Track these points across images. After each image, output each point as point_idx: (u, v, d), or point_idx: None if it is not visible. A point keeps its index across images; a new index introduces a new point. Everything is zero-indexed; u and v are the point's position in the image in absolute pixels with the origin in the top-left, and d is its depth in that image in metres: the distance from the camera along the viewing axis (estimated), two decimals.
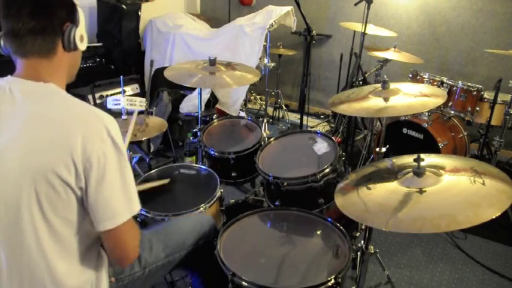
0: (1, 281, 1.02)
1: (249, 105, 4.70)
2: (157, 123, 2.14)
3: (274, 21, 3.58)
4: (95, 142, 0.95)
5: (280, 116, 4.41)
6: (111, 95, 3.14)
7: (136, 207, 1.04)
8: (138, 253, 1.10)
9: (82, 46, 1.06)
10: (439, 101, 1.56)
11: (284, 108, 4.33)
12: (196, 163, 2.56)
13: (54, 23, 1.00)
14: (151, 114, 2.71)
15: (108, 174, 0.97)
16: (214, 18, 4.82)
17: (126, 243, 1.05)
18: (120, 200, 1.00)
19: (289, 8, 3.67)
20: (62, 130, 0.95)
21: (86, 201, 0.99)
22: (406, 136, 2.93)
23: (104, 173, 0.97)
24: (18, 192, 0.94)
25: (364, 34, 3.00)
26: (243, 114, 3.85)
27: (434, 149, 2.73)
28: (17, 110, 0.97)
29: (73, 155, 0.93)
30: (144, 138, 2.11)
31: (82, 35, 1.05)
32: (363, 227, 2.10)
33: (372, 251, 1.62)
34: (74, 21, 1.04)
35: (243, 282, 1.30)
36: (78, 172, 0.95)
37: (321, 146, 1.96)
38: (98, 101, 3.03)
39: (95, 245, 1.11)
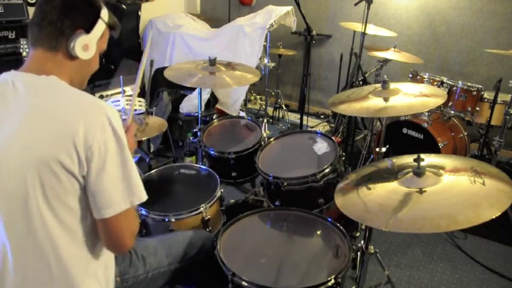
0: (7, 270, 1.02)
1: (249, 105, 4.70)
2: (157, 123, 2.14)
3: (274, 21, 3.58)
4: (96, 131, 0.96)
5: (280, 116, 4.41)
6: (111, 95, 3.14)
7: (137, 197, 1.03)
8: (133, 244, 1.09)
9: (84, 55, 1.06)
10: (439, 101, 1.56)
11: (284, 108, 4.33)
12: (196, 163, 2.56)
13: (65, 23, 1.02)
14: (152, 114, 2.72)
15: (108, 163, 0.98)
16: (214, 18, 4.82)
17: (123, 233, 1.04)
18: (119, 189, 1.00)
19: (289, 8, 3.67)
20: (64, 119, 0.96)
21: (87, 188, 1.00)
22: (406, 136, 2.93)
23: (104, 162, 0.97)
24: (23, 184, 0.96)
25: (364, 34, 3.00)
26: (243, 114, 3.85)
27: (434, 149, 2.73)
28: (19, 102, 0.98)
29: (75, 143, 0.94)
30: (144, 138, 2.11)
31: (87, 44, 1.05)
32: (363, 227, 2.10)
33: (372, 251, 1.62)
34: (88, 30, 1.05)
35: (243, 282, 1.30)
36: (81, 160, 0.96)
37: (321, 146, 1.96)
38: None
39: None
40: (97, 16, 1.07)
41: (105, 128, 0.98)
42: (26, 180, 0.95)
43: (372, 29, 3.26)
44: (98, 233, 1.07)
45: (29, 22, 1.05)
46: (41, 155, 0.95)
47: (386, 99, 1.62)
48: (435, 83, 2.91)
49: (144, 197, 1.05)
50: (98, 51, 1.11)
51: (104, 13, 1.09)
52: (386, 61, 3.23)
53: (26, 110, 0.98)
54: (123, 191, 1.01)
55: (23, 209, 0.97)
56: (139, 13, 3.77)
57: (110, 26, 1.14)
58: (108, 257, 1.14)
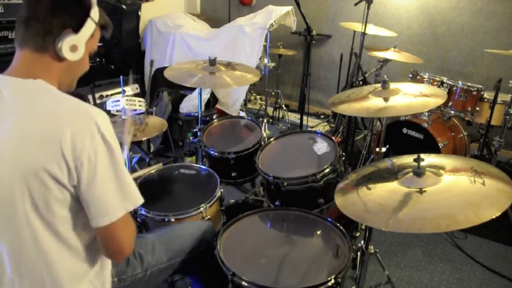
0: (6, 276, 1.02)
1: (249, 105, 4.70)
2: (157, 123, 2.14)
3: (274, 21, 3.58)
4: (85, 139, 0.93)
5: (280, 116, 4.41)
6: (111, 95, 3.14)
7: (132, 203, 1.02)
8: (132, 248, 1.08)
9: (72, 56, 1.01)
10: (439, 101, 1.56)
11: (284, 108, 4.33)
12: (196, 163, 2.56)
13: (52, 22, 0.98)
14: (151, 114, 2.71)
15: (99, 172, 0.96)
16: (214, 18, 4.82)
17: (122, 239, 1.03)
18: (113, 197, 0.99)
19: (289, 8, 3.67)
20: (51, 127, 0.93)
21: (80, 198, 0.98)
22: (406, 136, 2.93)
23: (95, 171, 0.95)
24: (11, 191, 0.94)
25: (364, 34, 3.00)
26: (243, 114, 3.85)
27: (434, 149, 2.73)
28: (6, 109, 0.96)
29: (63, 152, 0.92)
30: (144, 138, 2.10)
31: (75, 45, 1.01)
32: (363, 227, 2.10)
33: (372, 251, 1.62)
34: (76, 30, 1.01)
35: (243, 282, 1.30)
36: (70, 170, 0.94)
37: (321, 146, 1.96)
38: (97, 101, 3.04)
39: (95, 242, 1.10)
40: (86, 15, 1.02)
41: (94, 135, 0.95)
42: (14, 188, 0.94)
43: (371, 29, 3.26)
44: (90, 238, 1.07)
45: (16, 20, 1.00)
46: (29, 164, 0.92)
47: (386, 99, 1.62)
48: (435, 83, 2.91)
49: (139, 201, 1.04)
50: (87, 51, 1.07)
51: (94, 12, 1.04)
52: (386, 61, 3.23)
53: (13, 117, 0.95)
54: (117, 198, 0.99)
55: (14, 217, 0.96)
56: (139, 13, 3.77)
57: (101, 26, 1.09)
58: (103, 259, 1.13)
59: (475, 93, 2.80)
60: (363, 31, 2.99)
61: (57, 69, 1.03)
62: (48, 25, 0.98)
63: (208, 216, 1.72)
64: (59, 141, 0.92)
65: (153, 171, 1.98)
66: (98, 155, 0.95)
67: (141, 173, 1.88)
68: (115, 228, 1.01)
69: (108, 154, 0.97)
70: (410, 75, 3.07)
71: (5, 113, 0.96)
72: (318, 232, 1.59)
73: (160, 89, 3.46)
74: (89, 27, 1.03)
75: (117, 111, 2.04)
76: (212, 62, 2.23)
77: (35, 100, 0.97)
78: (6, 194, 0.95)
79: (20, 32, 1.00)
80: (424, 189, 1.19)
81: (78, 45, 1.02)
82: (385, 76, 1.78)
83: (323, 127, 4.27)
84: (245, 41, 3.64)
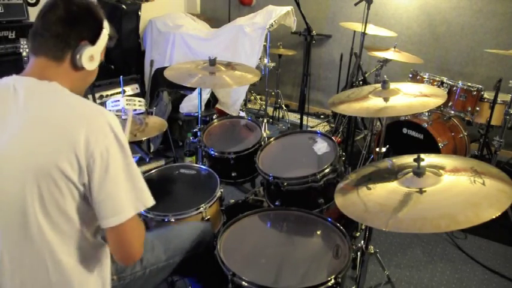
0: (3, 276, 1.02)
1: (249, 105, 4.70)
2: (157, 123, 2.14)
3: (274, 21, 3.58)
4: (98, 138, 0.96)
5: (280, 116, 4.41)
6: (111, 95, 3.15)
7: (143, 203, 1.04)
8: (142, 252, 1.09)
9: (89, 66, 1.08)
10: (439, 101, 1.56)
11: (284, 108, 4.33)
12: (196, 163, 2.56)
13: (71, 35, 1.04)
14: (151, 114, 2.71)
15: (111, 170, 0.98)
16: (214, 18, 4.82)
17: (131, 240, 1.04)
18: (125, 196, 1.00)
19: (289, 8, 3.67)
20: (64, 127, 0.96)
21: (90, 197, 0.99)
22: (406, 136, 2.93)
23: (107, 168, 0.97)
24: (22, 190, 0.95)
25: (364, 34, 3.00)
26: (243, 114, 3.85)
27: (434, 149, 2.73)
28: (20, 108, 0.98)
29: (76, 151, 0.94)
30: (144, 138, 2.10)
31: (93, 55, 1.08)
32: (363, 227, 2.10)
33: (372, 251, 1.62)
34: (93, 42, 1.08)
35: (243, 282, 1.30)
36: (81, 168, 0.96)
37: (321, 146, 1.96)
38: (97, 101, 3.04)
39: (99, 241, 1.11)
40: (101, 28, 1.10)
41: (107, 134, 0.98)
42: (24, 186, 0.95)
43: (372, 29, 3.26)
44: (94, 237, 1.08)
45: (31, 31, 1.05)
46: (42, 162, 0.94)
47: (386, 99, 1.62)
48: (435, 83, 2.91)
49: (150, 202, 1.05)
50: (99, 61, 1.14)
51: (106, 24, 1.12)
52: (386, 61, 3.23)
53: (28, 115, 0.98)
54: (129, 197, 1.01)
55: (21, 215, 0.97)
56: (139, 13, 3.77)
57: (109, 36, 1.16)
58: (103, 256, 1.14)
59: (475, 93, 2.80)
60: (363, 31, 2.99)
61: (73, 77, 1.08)
62: (67, 38, 1.04)
63: (208, 216, 1.72)
64: (72, 140, 0.94)
65: (153, 171, 1.99)
66: (111, 153, 0.98)
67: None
68: (125, 229, 1.01)
69: (120, 153, 1.00)
70: (410, 75, 3.07)
71: (19, 112, 0.98)
72: (318, 232, 1.59)
73: (160, 89, 3.46)
74: (104, 38, 1.11)
75: (117, 111, 2.04)
76: (212, 62, 2.23)
77: (49, 100, 1.00)
78: (17, 189, 0.96)
79: (36, 42, 1.04)
80: (424, 189, 1.19)
81: (95, 56, 1.09)
82: (385, 76, 1.78)
83: (323, 127, 4.27)
84: (245, 41, 3.64)
